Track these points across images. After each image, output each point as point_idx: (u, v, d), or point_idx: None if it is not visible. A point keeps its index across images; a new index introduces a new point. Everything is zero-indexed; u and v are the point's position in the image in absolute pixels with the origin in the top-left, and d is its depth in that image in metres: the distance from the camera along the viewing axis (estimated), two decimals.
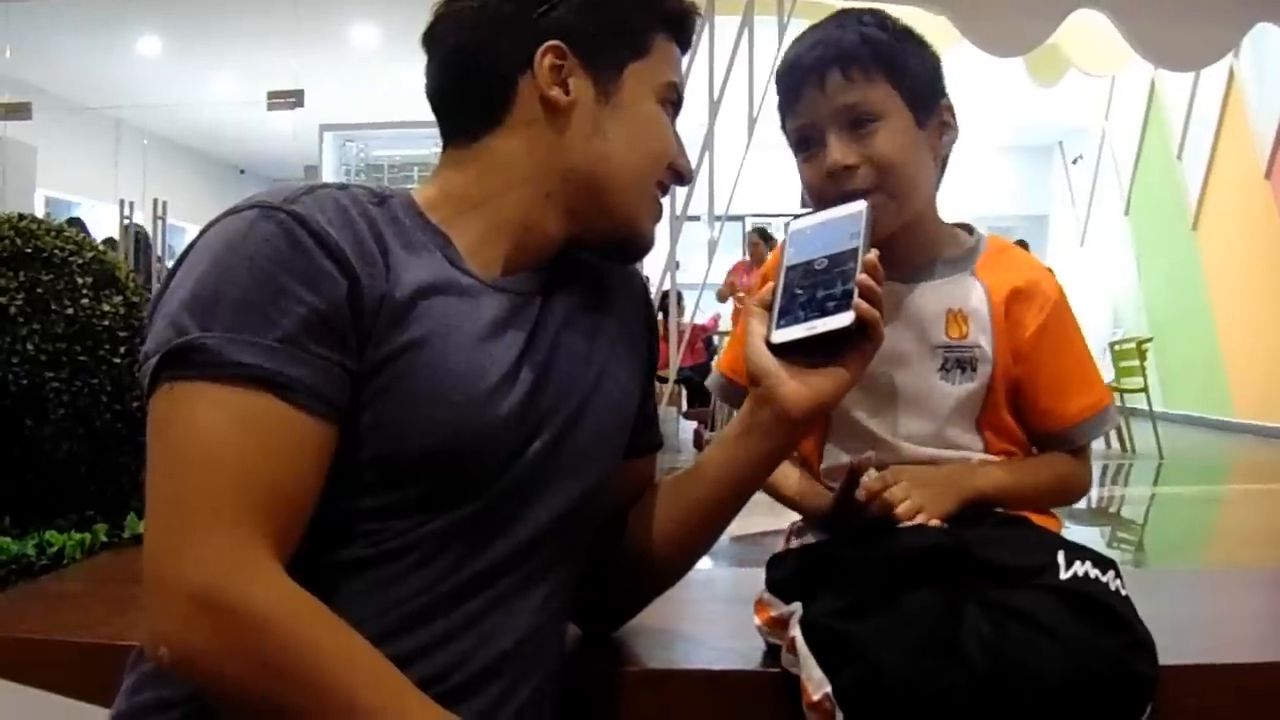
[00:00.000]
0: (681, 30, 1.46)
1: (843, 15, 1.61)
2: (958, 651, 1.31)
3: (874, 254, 1.34)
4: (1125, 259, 15.67)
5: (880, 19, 1.61)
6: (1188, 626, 1.86)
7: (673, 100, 1.45)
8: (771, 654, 1.55)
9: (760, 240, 11.52)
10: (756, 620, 1.59)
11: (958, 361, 1.59)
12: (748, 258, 11.45)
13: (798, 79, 1.57)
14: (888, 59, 1.56)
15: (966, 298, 1.61)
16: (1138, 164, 15.45)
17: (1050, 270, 1.72)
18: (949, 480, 1.55)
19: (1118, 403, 10.74)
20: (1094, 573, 1.42)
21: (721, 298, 11.61)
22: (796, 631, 1.39)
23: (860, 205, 1.40)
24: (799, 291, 1.36)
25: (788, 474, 1.66)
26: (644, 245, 1.46)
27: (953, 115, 1.65)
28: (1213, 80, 12.69)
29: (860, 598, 1.37)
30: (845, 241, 1.36)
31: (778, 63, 1.65)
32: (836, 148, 1.54)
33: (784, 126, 1.64)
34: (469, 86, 1.38)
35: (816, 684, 1.34)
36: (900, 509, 1.47)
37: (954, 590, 1.40)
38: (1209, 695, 1.54)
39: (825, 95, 1.55)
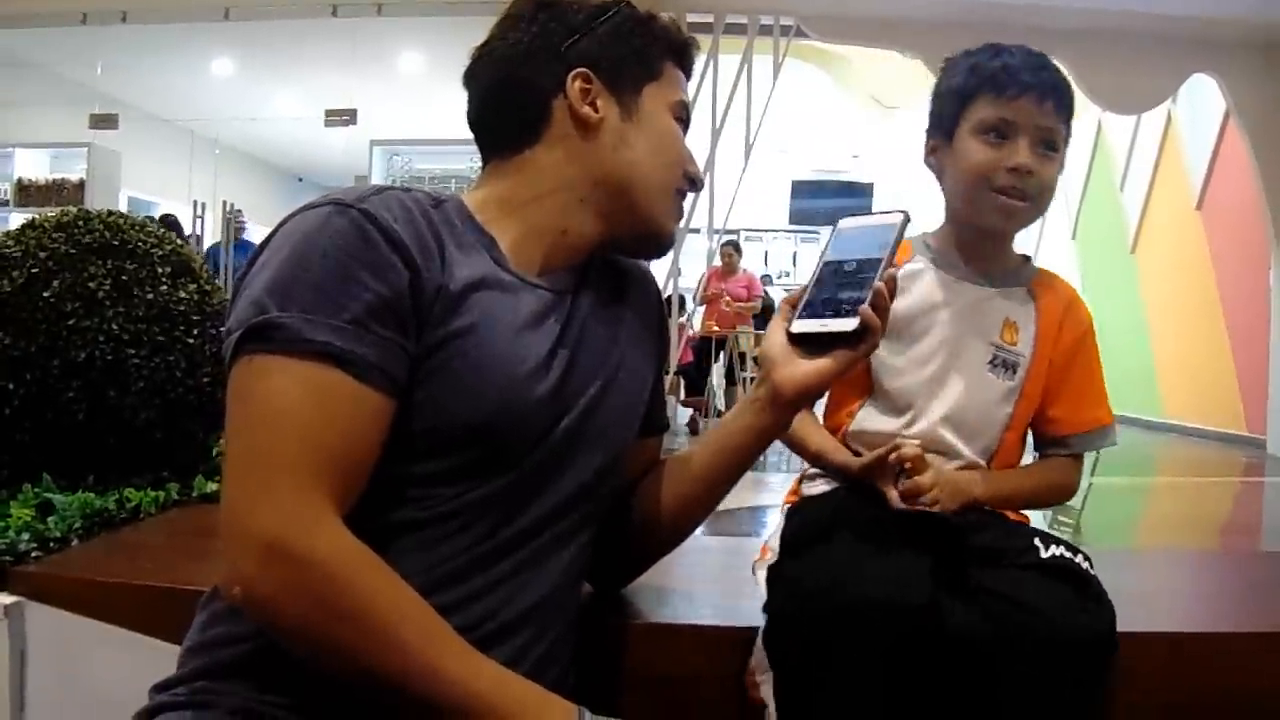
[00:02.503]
0: (684, 56, 1.48)
1: (1042, 56, 1.66)
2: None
3: (892, 272, 1.32)
4: (1072, 277, 15.53)
5: None
6: (1120, 598, 1.86)
7: (682, 117, 1.47)
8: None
9: (733, 251, 11.55)
10: (755, 558, 1.62)
11: (1004, 362, 1.65)
12: (719, 265, 11.49)
13: (1024, 84, 1.61)
14: (1071, 111, 1.65)
15: (1020, 310, 1.68)
16: (1084, 194, 15.45)
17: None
18: (964, 482, 1.59)
19: None
20: (1068, 554, 1.49)
21: (701, 300, 11.63)
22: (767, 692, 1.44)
23: (898, 217, 1.37)
24: (827, 288, 1.35)
25: (811, 430, 1.69)
26: (668, 242, 1.47)
27: None
28: (1152, 122, 12.70)
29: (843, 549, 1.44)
30: (875, 249, 1.34)
31: (986, 56, 1.67)
32: (1028, 153, 1.60)
33: (961, 101, 1.66)
34: (509, 109, 1.39)
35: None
36: (924, 487, 1.52)
37: (940, 563, 1.45)
38: (1139, 659, 1.54)
39: (1040, 110, 1.61)
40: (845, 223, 1.42)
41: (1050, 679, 1.34)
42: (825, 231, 1.44)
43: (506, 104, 1.39)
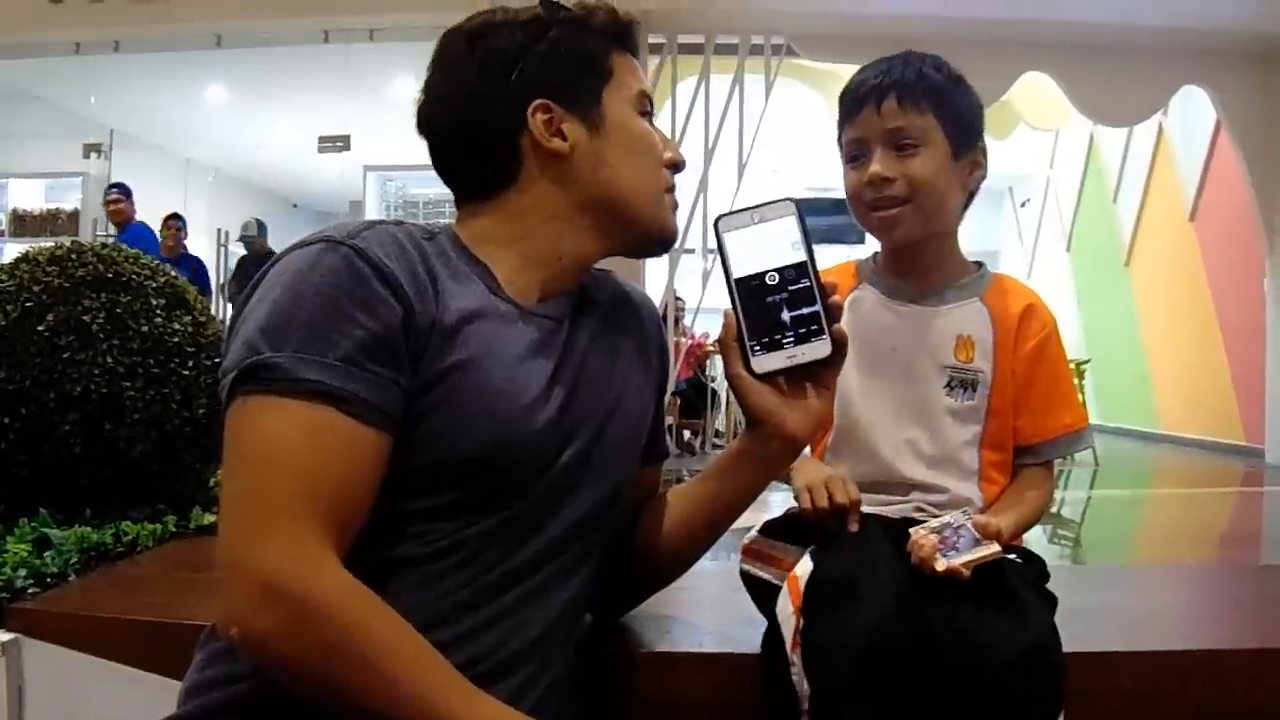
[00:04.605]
0: (628, 40, 1.42)
1: (909, 54, 1.64)
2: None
3: (832, 280, 1.30)
4: (1066, 290, 15.66)
5: (938, 62, 1.64)
6: (1123, 618, 1.86)
7: (646, 108, 1.42)
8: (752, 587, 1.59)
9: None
10: (742, 561, 1.63)
11: (961, 382, 1.61)
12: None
13: (859, 99, 1.61)
14: (937, 95, 1.60)
15: (974, 324, 1.63)
16: (1078, 207, 15.47)
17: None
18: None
19: None
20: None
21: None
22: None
23: (786, 206, 1.30)
24: (762, 312, 1.28)
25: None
26: (672, 238, 1.44)
27: (984, 157, 1.67)
28: (1144, 134, 12.73)
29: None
30: (788, 252, 1.28)
31: (845, 85, 1.67)
32: (879, 161, 1.58)
33: (839, 139, 1.67)
34: (477, 159, 1.36)
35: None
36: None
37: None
38: (1144, 680, 1.54)
39: (879, 116, 1.59)
40: (726, 225, 1.31)
41: (995, 701, 1.29)
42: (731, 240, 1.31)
43: (473, 153, 1.37)
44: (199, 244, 11.53)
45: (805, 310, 1.26)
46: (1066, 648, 1.37)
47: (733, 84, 9.67)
